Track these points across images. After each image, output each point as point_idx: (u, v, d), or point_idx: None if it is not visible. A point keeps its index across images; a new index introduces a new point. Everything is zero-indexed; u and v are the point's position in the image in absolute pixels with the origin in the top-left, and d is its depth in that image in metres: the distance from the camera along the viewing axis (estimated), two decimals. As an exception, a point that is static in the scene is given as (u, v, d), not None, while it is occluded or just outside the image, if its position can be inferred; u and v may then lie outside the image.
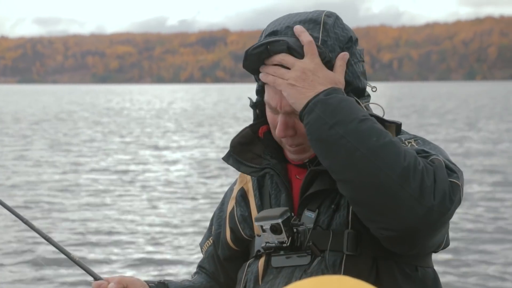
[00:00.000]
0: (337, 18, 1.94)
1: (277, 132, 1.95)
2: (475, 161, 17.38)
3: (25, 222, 2.17)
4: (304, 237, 1.95)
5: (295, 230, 1.97)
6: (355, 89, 1.93)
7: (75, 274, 7.70)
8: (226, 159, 2.06)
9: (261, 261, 2.02)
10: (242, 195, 2.13)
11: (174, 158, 19.08)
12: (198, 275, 2.29)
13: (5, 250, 8.86)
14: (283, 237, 1.95)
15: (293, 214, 1.98)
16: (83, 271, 2.11)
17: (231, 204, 2.16)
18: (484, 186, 13.53)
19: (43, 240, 2.11)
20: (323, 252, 1.93)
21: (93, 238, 9.50)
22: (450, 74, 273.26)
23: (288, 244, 1.97)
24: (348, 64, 1.90)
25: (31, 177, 15.04)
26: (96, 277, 2.08)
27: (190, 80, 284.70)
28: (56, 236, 9.12)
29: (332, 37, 1.90)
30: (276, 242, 1.97)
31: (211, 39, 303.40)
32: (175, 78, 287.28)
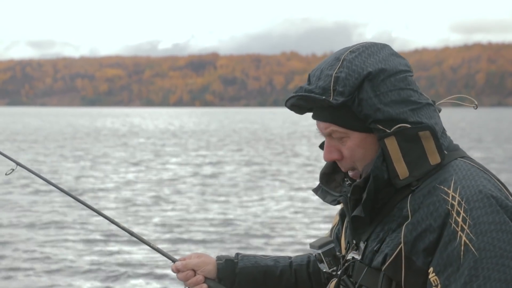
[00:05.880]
0: (363, 52, 1.87)
1: (323, 156, 1.93)
2: None
3: (112, 221, 2.32)
4: (353, 269, 1.94)
5: (342, 261, 1.98)
6: (380, 120, 1.83)
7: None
8: (315, 190, 2.03)
9: (332, 284, 2.02)
10: (342, 214, 2.11)
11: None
12: (301, 257, 2.31)
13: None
14: (324, 267, 2.01)
15: (337, 248, 2.03)
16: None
17: (336, 219, 2.17)
18: None
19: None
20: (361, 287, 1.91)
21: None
22: (438, 100, 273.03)
23: (338, 274, 1.98)
24: (364, 98, 1.82)
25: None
26: (173, 260, 2.23)
27: (179, 103, 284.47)
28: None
29: (345, 72, 1.83)
30: (328, 270, 2.01)
31: (200, 63, 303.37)
32: (164, 101, 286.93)
